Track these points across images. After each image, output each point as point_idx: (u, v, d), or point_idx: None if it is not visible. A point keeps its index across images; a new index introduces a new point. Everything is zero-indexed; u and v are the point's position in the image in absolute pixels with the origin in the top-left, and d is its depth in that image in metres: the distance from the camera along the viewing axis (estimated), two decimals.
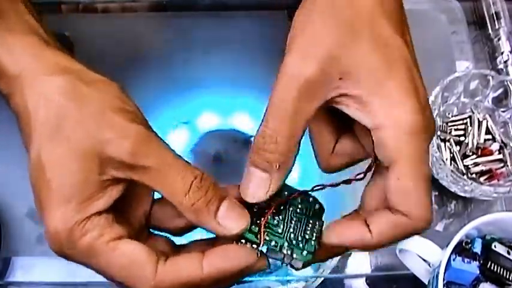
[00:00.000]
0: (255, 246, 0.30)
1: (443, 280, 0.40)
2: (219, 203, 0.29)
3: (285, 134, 0.28)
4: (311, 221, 0.32)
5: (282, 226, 0.31)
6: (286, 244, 0.31)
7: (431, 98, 0.48)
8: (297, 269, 0.32)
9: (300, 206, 0.32)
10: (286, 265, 0.31)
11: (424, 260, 0.44)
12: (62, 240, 0.28)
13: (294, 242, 0.31)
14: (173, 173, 0.28)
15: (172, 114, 0.54)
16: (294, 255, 0.31)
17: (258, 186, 0.30)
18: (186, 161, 0.29)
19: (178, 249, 0.32)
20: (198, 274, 0.28)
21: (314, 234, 0.31)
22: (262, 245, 0.30)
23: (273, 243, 0.30)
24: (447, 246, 0.40)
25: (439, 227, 0.51)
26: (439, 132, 0.51)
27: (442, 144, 0.50)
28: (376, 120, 0.28)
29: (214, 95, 0.55)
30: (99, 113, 0.28)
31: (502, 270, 0.41)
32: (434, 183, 0.51)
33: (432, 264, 0.42)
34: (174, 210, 0.30)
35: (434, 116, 0.50)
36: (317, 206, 0.33)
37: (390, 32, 0.29)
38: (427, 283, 0.44)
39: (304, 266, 0.31)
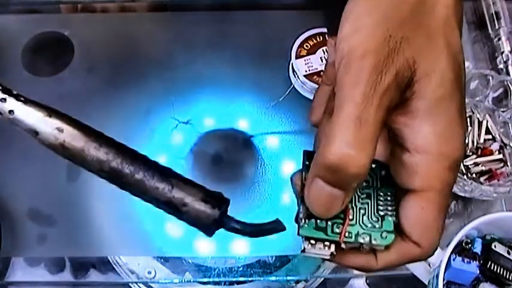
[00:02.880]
0: (327, 244, 0.27)
1: (443, 280, 0.40)
2: None
3: (370, 154, 0.24)
4: (381, 193, 0.28)
5: (350, 209, 0.27)
6: (361, 231, 0.27)
7: None
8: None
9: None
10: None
11: (424, 260, 0.44)
12: None
13: (369, 225, 0.27)
14: None
15: (172, 114, 0.54)
16: (374, 241, 0.27)
17: (332, 204, 0.26)
18: None
19: None
20: None
21: (389, 208, 0.27)
22: (343, 241, 0.26)
23: (346, 234, 0.27)
24: (447, 246, 0.40)
25: None
26: None
27: None
28: (420, 143, 0.26)
29: (214, 95, 0.55)
30: None
31: (502, 270, 0.41)
32: None
33: (432, 264, 0.42)
34: None
35: None
36: (383, 172, 0.28)
37: (459, 43, 0.26)
38: (427, 283, 0.44)
39: (388, 247, 0.27)
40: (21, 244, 0.49)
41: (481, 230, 0.42)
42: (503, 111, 0.51)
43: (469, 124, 0.51)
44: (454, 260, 0.40)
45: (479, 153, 0.50)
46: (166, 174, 0.26)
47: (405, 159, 0.26)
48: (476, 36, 0.59)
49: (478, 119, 0.51)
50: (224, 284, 0.48)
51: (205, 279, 0.48)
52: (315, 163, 0.25)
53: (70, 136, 0.26)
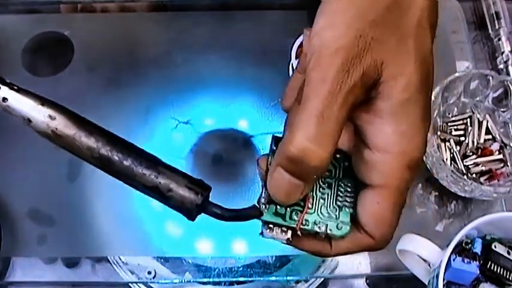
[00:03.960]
0: (285, 229, 0.28)
1: (443, 280, 0.40)
2: None
3: (330, 149, 0.25)
4: (342, 184, 0.29)
5: (310, 198, 0.28)
6: (318, 219, 0.28)
7: (431, 98, 0.48)
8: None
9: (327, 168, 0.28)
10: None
11: (424, 260, 0.44)
12: None
13: (326, 215, 0.28)
14: None
15: (172, 114, 0.54)
16: (329, 231, 0.28)
17: (292, 192, 0.27)
18: None
19: None
20: None
21: (347, 199, 0.28)
22: (299, 229, 0.28)
23: (303, 222, 0.28)
24: (447, 246, 0.40)
25: (439, 227, 0.51)
26: (439, 133, 0.51)
27: (442, 144, 0.50)
28: (381, 142, 0.27)
29: (214, 94, 0.55)
30: None
31: (502, 270, 0.41)
32: (434, 183, 0.51)
33: (432, 264, 0.42)
34: None
35: (434, 116, 0.50)
36: (346, 163, 0.29)
37: (430, 47, 0.27)
38: (427, 283, 0.44)
39: (344, 237, 0.28)
40: (21, 244, 0.49)
41: (481, 230, 0.42)
42: (503, 111, 0.51)
43: (469, 124, 0.51)
44: (454, 260, 0.40)
45: (479, 153, 0.50)
46: (153, 161, 0.27)
47: (366, 156, 0.27)
48: (476, 36, 0.59)
49: (478, 119, 0.51)
50: (224, 284, 0.48)
51: (205, 279, 0.48)
52: (278, 153, 0.26)
53: (62, 124, 0.27)
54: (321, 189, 0.29)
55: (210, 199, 0.28)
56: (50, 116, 0.26)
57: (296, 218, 0.28)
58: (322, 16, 0.27)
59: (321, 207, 0.28)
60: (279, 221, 0.28)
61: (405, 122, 0.26)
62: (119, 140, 0.27)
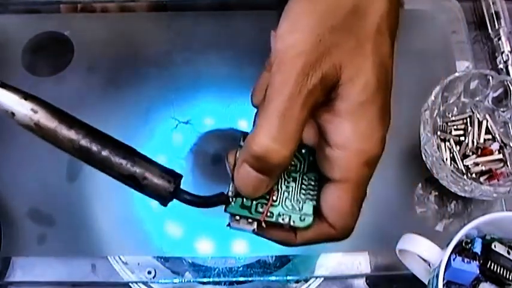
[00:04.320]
0: (250, 221, 0.29)
1: (443, 280, 0.40)
2: None
3: (291, 148, 0.27)
4: (306, 178, 0.30)
5: (275, 191, 0.30)
6: (282, 211, 0.29)
7: (431, 98, 0.48)
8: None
9: (292, 162, 0.30)
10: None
11: (424, 260, 0.44)
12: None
13: (290, 207, 0.29)
14: None
15: (172, 114, 0.54)
16: (292, 223, 0.29)
17: (257, 186, 0.29)
18: None
19: None
20: None
21: (310, 192, 0.30)
22: (263, 220, 0.29)
23: (268, 214, 0.29)
24: (447, 246, 0.40)
25: (439, 227, 0.51)
26: (439, 132, 0.51)
27: (442, 144, 0.50)
28: (340, 140, 0.28)
29: (214, 94, 0.55)
30: None
31: (502, 270, 0.41)
32: (434, 183, 0.51)
33: (432, 264, 0.42)
34: None
35: (434, 116, 0.50)
36: (311, 158, 0.30)
37: (388, 50, 0.29)
38: (427, 283, 0.44)
39: (308, 228, 0.30)
40: (21, 244, 0.49)
41: (481, 230, 0.42)
42: (503, 111, 0.51)
43: (469, 124, 0.51)
44: (454, 259, 0.40)
45: (479, 153, 0.50)
46: (129, 152, 0.29)
47: (327, 152, 0.29)
48: (476, 36, 0.59)
49: (478, 119, 0.51)
50: (224, 284, 0.48)
51: (205, 279, 0.48)
52: (244, 150, 0.28)
53: (44, 117, 0.28)
54: (286, 183, 0.30)
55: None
56: (33, 110, 0.28)
57: (261, 210, 0.29)
58: (286, 20, 0.28)
59: (285, 199, 0.29)
60: (245, 213, 0.29)
61: (363, 122, 0.28)
62: (97, 132, 0.29)
